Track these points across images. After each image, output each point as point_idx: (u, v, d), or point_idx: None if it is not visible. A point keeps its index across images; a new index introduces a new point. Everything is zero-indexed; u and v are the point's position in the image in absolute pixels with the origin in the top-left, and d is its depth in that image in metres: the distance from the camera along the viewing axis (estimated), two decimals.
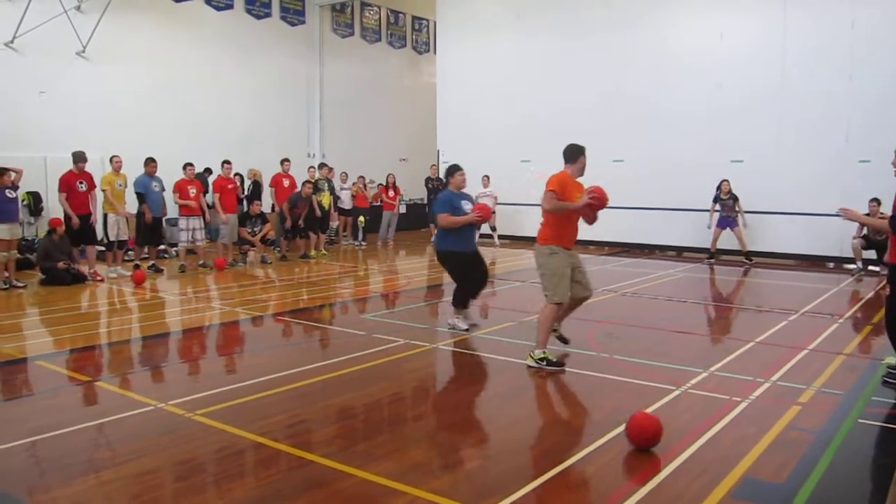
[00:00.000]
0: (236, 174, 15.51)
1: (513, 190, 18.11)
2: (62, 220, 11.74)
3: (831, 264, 14.14)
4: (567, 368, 6.44)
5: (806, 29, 14.42)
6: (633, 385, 6.02)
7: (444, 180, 8.23)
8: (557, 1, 17.78)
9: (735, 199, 14.00)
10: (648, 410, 5.29)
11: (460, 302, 8.03)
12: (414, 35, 24.64)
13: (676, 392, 5.77)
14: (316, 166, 17.41)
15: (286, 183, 15.68)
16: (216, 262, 13.33)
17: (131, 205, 12.75)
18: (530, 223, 17.40)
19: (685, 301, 10.27)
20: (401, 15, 23.98)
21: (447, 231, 7.98)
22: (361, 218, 17.66)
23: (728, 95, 15.17)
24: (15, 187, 11.16)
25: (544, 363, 6.39)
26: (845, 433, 4.85)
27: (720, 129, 15.18)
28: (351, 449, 4.61)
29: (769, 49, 14.77)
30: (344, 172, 17.96)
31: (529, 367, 6.42)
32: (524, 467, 4.31)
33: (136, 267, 12.50)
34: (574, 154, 6.62)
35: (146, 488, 4.02)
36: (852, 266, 13.20)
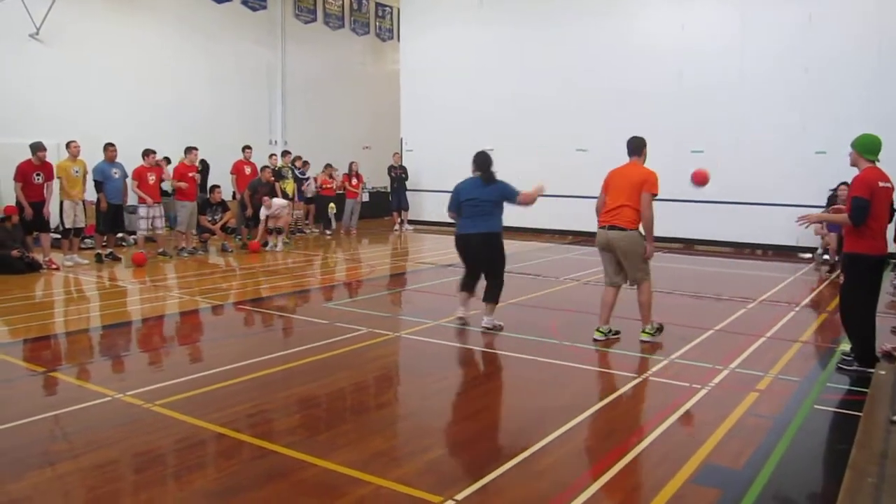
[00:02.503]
0: (200, 160, 15.29)
1: None
2: (16, 207, 11.43)
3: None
4: (530, 357, 6.47)
5: (764, 21, 14.63)
6: (594, 373, 6.08)
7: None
8: None
9: None
10: (610, 399, 5.35)
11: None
12: (377, 22, 24.44)
13: (637, 380, 5.83)
14: (279, 153, 17.22)
15: (248, 170, 15.50)
16: (251, 246, 13.93)
17: (90, 192, 12.47)
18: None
19: None
20: (364, 1, 23.76)
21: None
22: (332, 206, 17.50)
23: (689, 86, 15.32)
24: None
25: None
26: (802, 419, 4.95)
27: (681, 119, 15.33)
28: (313, 438, 4.57)
29: (729, 40, 14.94)
30: (305, 160, 17.75)
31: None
32: (487, 456, 4.31)
33: (102, 256, 12.30)
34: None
35: (104, 480, 3.95)
36: (807, 255, 13.52)
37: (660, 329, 7.06)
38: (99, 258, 12.36)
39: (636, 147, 7.20)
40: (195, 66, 18.24)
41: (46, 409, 5.10)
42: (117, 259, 12.46)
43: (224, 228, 14.29)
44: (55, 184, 11.80)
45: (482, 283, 7.73)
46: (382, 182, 20.72)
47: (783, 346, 6.98)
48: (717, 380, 5.79)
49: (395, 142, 20.34)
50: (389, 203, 19.56)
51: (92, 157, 12.43)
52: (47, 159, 11.65)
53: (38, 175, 11.45)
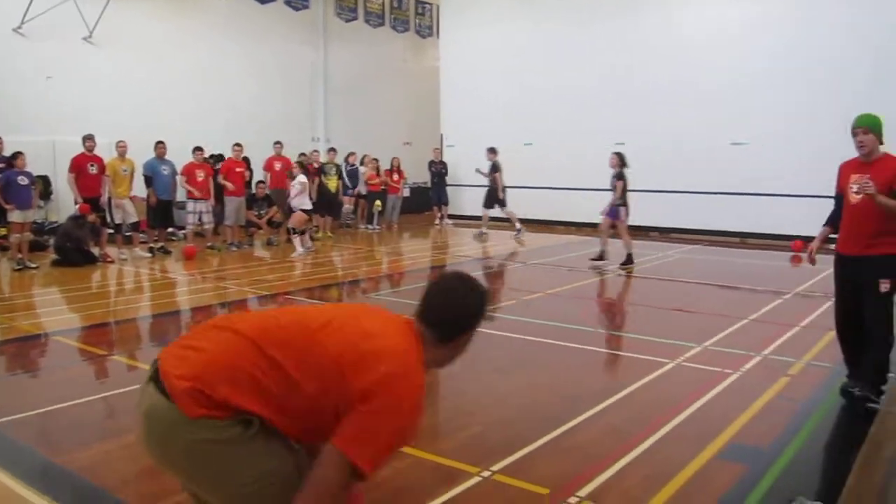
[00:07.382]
0: (244, 157, 15.65)
1: (515, 172, 18.29)
2: (89, 206, 11.86)
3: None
4: (565, 343, 6.64)
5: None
6: (628, 358, 6.25)
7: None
8: None
9: None
10: (642, 382, 5.51)
11: None
12: (417, 19, 24.69)
13: (670, 365, 5.98)
14: (323, 150, 17.53)
15: (278, 166, 15.43)
16: (185, 251, 12.73)
17: (140, 189, 12.97)
18: (536, 205, 17.74)
19: (683, 281, 10.47)
20: None
21: None
22: (378, 202, 17.73)
23: (732, 76, 15.25)
24: (27, 173, 11.32)
25: None
26: (831, 402, 5.06)
27: (723, 109, 15.27)
28: None
29: (772, 27, 14.84)
30: (355, 154, 17.94)
31: None
32: (522, 433, 4.52)
33: (154, 249, 12.84)
34: None
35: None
36: None
37: None
38: (150, 252, 12.82)
39: None
40: (240, 66, 18.63)
41: (99, 391, 5.47)
42: (168, 252, 12.92)
43: (269, 222, 14.69)
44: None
45: None
46: (423, 177, 20.97)
47: (817, 334, 7.03)
48: (748, 365, 5.91)
49: (436, 137, 20.59)
50: (430, 198, 19.81)
51: (144, 155, 12.93)
52: (96, 153, 12.14)
53: (92, 165, 11.94)
